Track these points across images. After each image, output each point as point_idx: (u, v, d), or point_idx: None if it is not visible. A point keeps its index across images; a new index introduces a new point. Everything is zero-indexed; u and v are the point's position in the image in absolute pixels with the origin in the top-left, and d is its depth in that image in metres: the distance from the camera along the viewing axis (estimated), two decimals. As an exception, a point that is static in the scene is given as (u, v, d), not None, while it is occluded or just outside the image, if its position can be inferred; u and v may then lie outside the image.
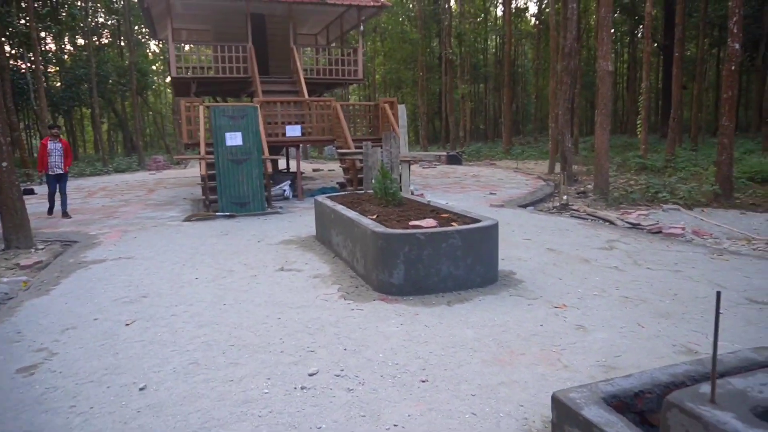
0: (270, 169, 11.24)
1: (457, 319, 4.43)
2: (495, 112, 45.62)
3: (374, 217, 5.91)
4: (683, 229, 8.57)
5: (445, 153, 24.27)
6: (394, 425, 2.91)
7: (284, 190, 13.18)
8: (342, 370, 3.56)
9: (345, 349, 3.89)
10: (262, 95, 13.60)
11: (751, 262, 6.25)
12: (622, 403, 2.56)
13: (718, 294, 1.76)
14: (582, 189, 13.88)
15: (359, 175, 11.99)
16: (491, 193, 13.05)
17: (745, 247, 7.57)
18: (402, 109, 10.37)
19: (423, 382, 3.37)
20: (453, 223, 5.44)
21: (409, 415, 3.00)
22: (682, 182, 13.67)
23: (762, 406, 1.79)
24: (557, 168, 17.03)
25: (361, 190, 9.92)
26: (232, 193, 10.23)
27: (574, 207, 10.99)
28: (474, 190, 13.97)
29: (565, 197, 12.01)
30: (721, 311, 4.61)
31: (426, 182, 15.86)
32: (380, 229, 5.18)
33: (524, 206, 11.34)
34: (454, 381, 3.36)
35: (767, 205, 11.33)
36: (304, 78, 14.52)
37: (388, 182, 6.78)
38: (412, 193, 10.20)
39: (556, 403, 2.57)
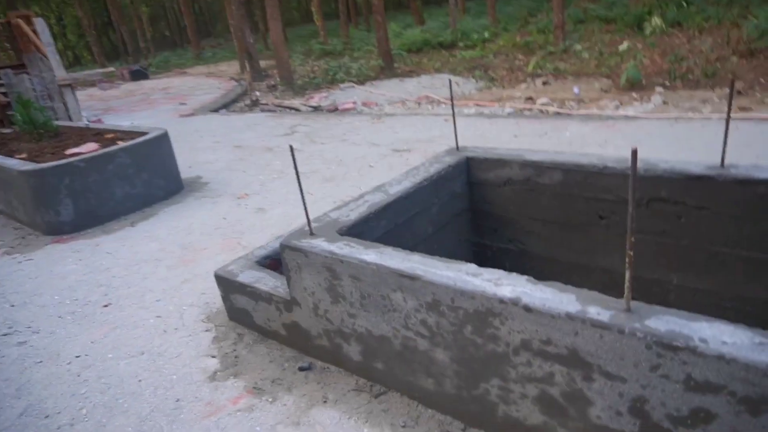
0: None
1: (141, 236, 4.34)
2: (177, 16, 41.88)
3: (23, 155, 5.12)
4: (354, 103, 9.64)
5: (126, 69, 21.69)
6: (76, 357, 2.84)
7: None
8: (10, 327, 3.23)
9: (12, 306, 3.50)
10: None
11: (398, 120, 7.47)
12: (274, 261, 2.95)
13: (291, 147, 2.11)
14: (272, 83, 14.20)
15: (9, 112, 9.98)
16: (181, 104, 12.39)
17: (400, 108, 8.97)
18: (41, 23, 8.75)
19: (105, 306, 3.30)
20: (118, 142, 5.08)
21: (92, 342, 2.95)
22: (355, 61, 15.08)
23: (344, 226, 2.29)
24: (249, 66, 16.93)
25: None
26: None
27: (264, 102, 11.26)
28: (163, 104, 13.04)
29: (257, 93, 12.15)
30: (372, 164, 5.54)
31: (108, 105, 14.12)
32: (29, 166, 4.54)
33: (216, 110, 11.15)
34: (138, 295, 3.38)
35: (419, 70, 13.44)
36: None
37: (34, 112, 5.85)
38: (88, 122, 9.02)
39: (219, 279, 2.82)
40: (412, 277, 1.84)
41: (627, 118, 6.16)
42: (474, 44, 14.92)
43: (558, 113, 7.07)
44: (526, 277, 1.72)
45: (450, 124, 6.87)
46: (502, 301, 1.64)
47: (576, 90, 8.38)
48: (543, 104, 7.64)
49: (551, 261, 2.92)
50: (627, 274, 1.44)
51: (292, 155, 2.12)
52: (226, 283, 2.78)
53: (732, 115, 5.76)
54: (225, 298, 2.86)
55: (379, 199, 2.54)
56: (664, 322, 1.42)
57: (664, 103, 6.62)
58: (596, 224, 2.68)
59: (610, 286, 2.76)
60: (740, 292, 2.39)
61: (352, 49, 18.25)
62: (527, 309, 1.59)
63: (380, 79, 12.71)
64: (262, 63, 16.81)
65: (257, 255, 2.95)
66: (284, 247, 2.25)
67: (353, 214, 2.40)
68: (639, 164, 2.47)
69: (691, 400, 1.39)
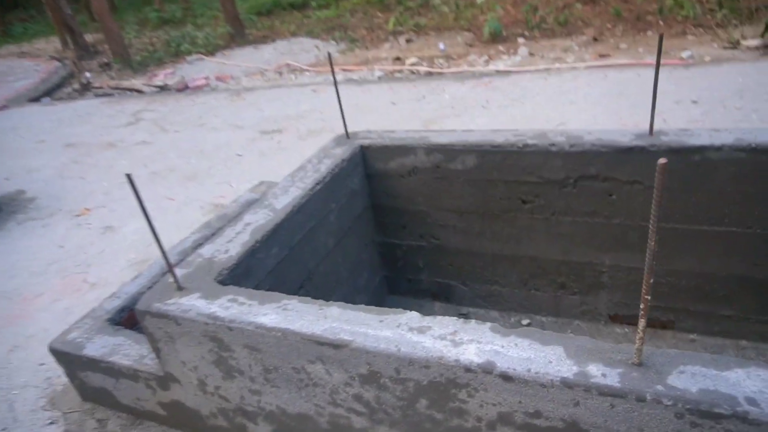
0: None
1: (-56, 288, 3.27)
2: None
3: None
4: (207, 78, 8.57)
5: None
6: None
7: None
8: None
9: None
10: None
11: (261, 94, 6.69)
12: (132, 314, 2.25)
13: (128, 176, 1.44)
14: (105, 60, 12.30)
15: None
16: (-11, 95, 10.24)
17: (260, 80, 8.12)
18: None
19: None
20: None
21: None
22: (199, 30, 13.59)
23: (224, 268, 1.69)
24: (71, 43, 14.53)
25: None
26: None
27: (97, 85, 9.65)
28: (-37, 97, 10.70)
29: (87, 75, 10.41)
30: (240, 153, 4.82)
31: None
32: None
33: (37, 99, 9.34)
34: (-56, 380, 2.47)
35: (274, 35, 12.42)
36: None
37: None
38: None
39: (57, 354, 2.07)
40: (336, 345, 1.33)
41: (500, 73, 6.02)
42: (327, 3, 14.15)
43: (430, 73, 6.78)
44: (489, 325, 1.29)
45: (320, 95, 6.27)
46: (468, 369, 1.20)
47: (442, 46, 8.16)
48: (413, 64, 7.29)
49: (472, 255, 2.56)
50: (641, 323, 1.06)
51: (132, 186, 1.45)
52: (69, 360, 2.04)
53: (593, 63, 5.86)
54: (72, 376, 2.12)
55: (263, 219, 1.95)
56: (691, 377, 1.07)
57: (531, 54, 6.61)
58: (519, 210, 2.35)
59: (538, 275, 2.48)
60: (674, 267, 2.21)
61: (194, 16, 16.48)
62: (506, 378, 1.16)
63: (232, 48, 11.53)
64: (89, 37, 14.52)
65: (109, 308, 2.22)
66: (143, 313, 1.61)
67: (233, 248, 1.80)
68: (560, 138, 2.15)
69: (733, 470, 1.07)
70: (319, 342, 1.35)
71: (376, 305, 2.76)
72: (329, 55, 2.42)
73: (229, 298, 1.55)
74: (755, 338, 2.23)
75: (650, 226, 0.96)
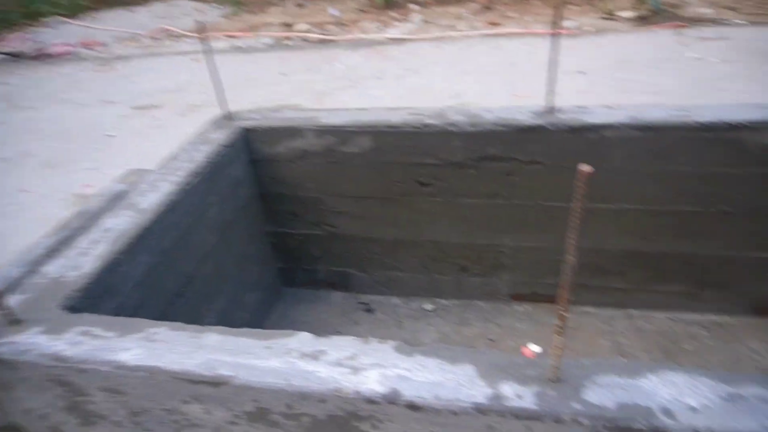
0: None
1: None
2: None
3: None
4: (71, 45, 7.58)
5: None
6: None
7: None
8: None
9: None
10: None
11: (135, 64, 6.02)
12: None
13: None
14: (-60, 23, 10.49)
15: None
16: None
17: (134, 47, 7.32)
18: None
19: None
20: None
21: None
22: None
23: (75, 289, 1.39)
24: None
25: None
26: None
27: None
28: None
29: None
30: (111, 133, 4.28)
31: None
32: None
33: None
34: None
35: (149, -5, 11.27)
36: None
37: None
38: None
39: None
40: (215, 382, 1.12)
41: (394, 41, 5.86)
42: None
43: (322, 40, 6.45)
44: (392, 344, 1.14)
45: (202, 64, 5.74)
46: (370, 400, 1.04)
47: (333, 12, 7.82)
48: (304, 32, 6.91)
49: (371, 241, 2.42)
50: (557, 339, 0.96)
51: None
52: None
53: (486, 31, 5.87)
54: None
55: (126, 222, 1.65)
56: (608, 389, 0.99)
57: (425, 22, 6.51)
58: (418, 193, 2.23)
59: (439, 258, 2.40)
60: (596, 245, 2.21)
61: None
62: (413, 407, 1.02)
63: (100, 10, 10.30)
64: None
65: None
66: (-35, 354, 1.27)
67: (88, 262, 1.50)
68: (460, 117, 2.03)
69: (649, 481, 1.02)
70: (194, 380, 1.12)
71: (271, 300, 2.56)
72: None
73: (81, 330, 1.26)
74: (643, 307, 2.32)
75: (568, 238, 0.84)
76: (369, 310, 2.53)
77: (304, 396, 1.07)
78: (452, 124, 2.00)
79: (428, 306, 2.52)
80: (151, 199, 1.75)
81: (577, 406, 0.97)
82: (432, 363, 1.08)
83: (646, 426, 0.93)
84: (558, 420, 0.96)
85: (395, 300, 2.56)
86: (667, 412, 0.94)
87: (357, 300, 2.59)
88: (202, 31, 2.08)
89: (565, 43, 5.10)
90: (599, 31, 5.38)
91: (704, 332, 2.21)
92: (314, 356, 1.12)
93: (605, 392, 0.98)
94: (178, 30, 7.77)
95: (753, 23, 5.03)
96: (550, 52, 1.79)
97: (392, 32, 6.37)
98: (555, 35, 1.84)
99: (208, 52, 2.12)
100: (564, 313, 0.92)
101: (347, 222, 2.38)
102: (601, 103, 2.02)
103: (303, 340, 1.17)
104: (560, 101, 1.97)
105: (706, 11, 5.58)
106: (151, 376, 1.15)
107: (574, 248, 0.84)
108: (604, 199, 2.03)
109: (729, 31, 4.91)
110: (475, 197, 2.16)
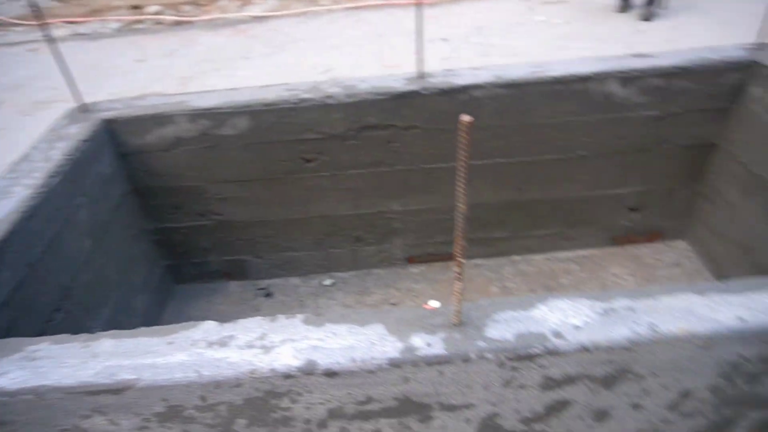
0: None
1: None
2: None
3: None
4: None
5: None
6: None
7: None
8: None
9: None
10: None
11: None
12: None
13: None
14: None
15: None
16: None
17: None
18: None
19: None
20: None
21: None
22: None
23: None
24: None
25: None
26: None
27: None
28: None
29: None
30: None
31: None
32: None
33: None
34: None
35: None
36: None
37: None
38: None
39: None
40: (117, 389, 1.04)
41: (256, 19, 5.65)
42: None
43: (178, 22, 6.03)
44: (300, 317, 1.14)
45: (41, 55, 5.12)
46: (287, 375, 1.04)
47: (185, -9, 7.32)
48: (155, 13, 6.40)
49: (261, 224, 2.36)
50: (457, 285, 1.02)
51: None
52: None
53: (349, 4, 5.88)
54: None
55: (-21, 236, 1.46)
56: (506, 324, 1.08)
57: (284, -3, 6.33)
58: (303, 170, 2.21)
59: (333, 232, 2.41)
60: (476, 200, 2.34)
61: None
62: (330, 374, 1.04)
63: None
64: None
65: None
66: None
67: (-62, 286, 1.31)
68: (336, 89, 2.03)
69: (549, 396, 1.14)
70: (92, 391, 1.04)
71: (163, 300, 2.42)
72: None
73: (-59, 362, 1.11)
74: (523, 251, 2.53)
75: (457, 188, 0.90)
76: (268, 295, 2.48)
77: (217, 384, 1.04)
78: (329, 97, 2.00)
79: (327, 281, 2.53)
80: (4, 207, 1.56)
81: (481, 343, 1.04)
82: (342, 329, 1.10)
83: (542, 349, 1.04)
84: (466, 359, 1.04)
85: (294, 280, 2.55)
86: (558, 334, 1.05)
87: (255, 286, 2.53)
88: (39, 17, 1.85)
89: (427, 13, 5.27)
90: (456, 0, 5.63)
91: (576, 266, 2.47)
92: (222, 343, 1.09)
93: (504, 327, 1.07)
94: (3, 17, 6.82)
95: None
96: (416, 21, 1.84)
97: (253, 10, 6.13)
98: (419, 4, 1.90)
99: (51, 40, 1.90)
100: (461, 260, 0.98)
101: (234, 208, 2.30)
102: (466, 66, 2.13)
103: (208, 329, 1.13)
104: (428, 68, 2.05)
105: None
106: (39, 397, 1.05)
107: (463, 197, 0.90)
108: (480, 156, 2.17)
109: (567, -6, 5.40)
110: (360, 167, 2.19)
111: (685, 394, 1.17)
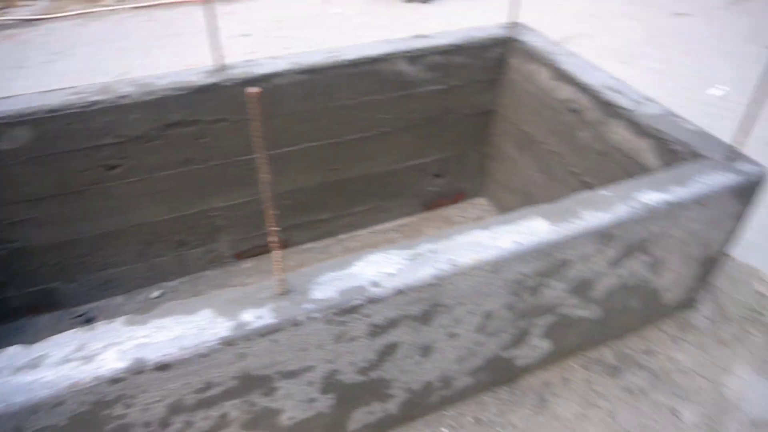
0: None
1: None
2: None
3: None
4: None
5: None
6: None
7: None
8: None
9: None
10: None
11: None
12: None
13: None
14: None
15: None
16: None
17: None
18: None
19: None
20: None
21: None
22: None
23: None
24: None
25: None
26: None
27: None
28: None
29: None
30: None
31: None
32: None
33: None
34: None
35: None
36: None
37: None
38: None
39: None
40: None
41: (25, 22, 4.96)
42: None
43: None
44: (121, 319, 1.10)
45: None
46: (114, 380, 1.00)
47: None
48: None
49: (69, 245, 2.14)
50: (275, 255, 1.07)
51: None
52: None
53: (136, 4, 5.47)
54: None
55: None
56: (329, 284, 1.17)
57: (56, -1, 5.64)
58: (108, 178, 2.05)
59: (153, 241, 2.29)
60: (276, 191, 2.38)
61: None
62: (163, 368, 1.03)
63: None
64: None
65: None
66: None
67: None
68: (130, 88, 1.93)
69: (378, 343, 1.26)
70: None
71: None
72: None
73: None
74: (349, 229, 2.67)
75: (258, 158, 0.94)
76: (89, 320, 2.27)
77: (33, 409, 0.96)
78: (124, 97, 1.89)
79: (155, 293, 2.40)
80: None
81: (308, 306, 1.12)
82: (169, 321, 1.09)
83: (363, 299, 1.14)
84: (296, 323, 1.10)
85: (118, 299, 2.36)
86: (375, 283, 1.17)
87: (71, 315, 2.29)
88: None
89: (224, 9, 5.15)
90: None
91: (398, 235, 2.69)
92: (33, 365, 1.01)
93: (327, 287, 1.16)
94: None
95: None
96: (205, 13, 1.83)
97: (19, 12, 5.37)
98: (209, 1, 1.89)
99: None
100: (274, 228, 1.03)
101: (30, 231, 2.05)
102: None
103: (13, 354, 1.03)
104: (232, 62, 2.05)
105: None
106: None
107: (265, 166, 0.95)
108: (290, 143, 2.23)
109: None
110: (171, 168, 2.11)
111: (488, 316, 1.38)
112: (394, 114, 2.35)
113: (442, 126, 2.50)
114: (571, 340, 1.69)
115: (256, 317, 1.09)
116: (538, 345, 1.60)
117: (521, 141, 2.45)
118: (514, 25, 2.39)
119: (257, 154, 0.93)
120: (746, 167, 1.55)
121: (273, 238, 1.04)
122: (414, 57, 2.23)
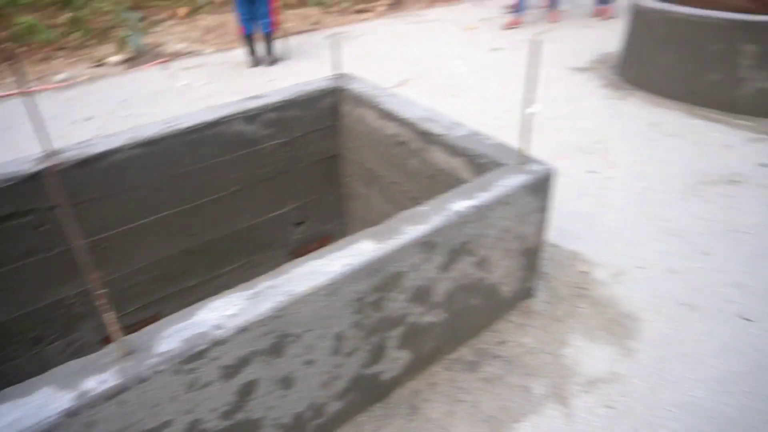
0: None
1: None
2: None
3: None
4: None
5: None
6: None
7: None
8: None
9: None
10: None
11: None
12: None
13: None
14: None
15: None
16: None
17: None
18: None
19: None
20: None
21: None
22: None
23: None
24: None
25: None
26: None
27: None
28: None
29: None
30: None
31: None
32: None
33: None
34: None
35: None
36: None
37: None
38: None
39: None
40: None
41: None
42: None
43: None
44: (-49, 417, 1.06)
45: None
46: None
47: None
48: None
49: None
50: (105, 317, 1.11)
51: None
52: None
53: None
54: None
55: None
56: (172, 337, 1.22)
57: None
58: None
59: (1, 344, 2.14)
60: (137, 266, 2.35)
61: None
62: (1, 454, 1.01)
63: None
64: None
65: None
66: None
67: None
68: (-49, 188, 1.85)
69: (234, 383, 1.32)
70: None
71: None
72: None
73: None
74: (221, 291, 2.67)
75: (71, 231, 1.00)
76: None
77: None
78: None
79: (14, 399, 2.22)
80: None
81: (152, 360, 1.16)
82: (5, 408, 1.07)
83: (207, 343, 1.21)
84: (142, 380, 1.14)
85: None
86: (217, 326, 1.24)
87: None
88: None
89: (64, 96, 4.99)
90: (94, 79, 5.46)
91: (270, 286, 2.74)
92: None
93: (170, 340, 1.21)
94: None
95: (219, 50, 6.08)
96: (25, 104, 1.83)
97: None
98: (26, 93, 1.89)
99: None
100: (99, 291, 1.08)
101: None
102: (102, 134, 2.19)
103: None
104: (64, 145, 2.05)
105: (182, 46, 6.39)
106: None
107: (80, 233, 1.01)
108: (142, 215, 2.24)
109: (203, 59, 5.79)
110: (12, 261, 2.02)
111: (339, 338, 1.49)
112: (243, 171, 2.45)
113: (293, 175, 2.64)
114: (429, 346, 1.85)
115: (98, 383, 1.11)
116: (398, 356, 1.74)
117: (367, 178, 2.66)
118: (340, 76, 2.63)
119: (72, 230, 0.99)
120: (535, 167, 1.85)
121: (102, 301, 1.08)
122: (250, 116, 2.37)
